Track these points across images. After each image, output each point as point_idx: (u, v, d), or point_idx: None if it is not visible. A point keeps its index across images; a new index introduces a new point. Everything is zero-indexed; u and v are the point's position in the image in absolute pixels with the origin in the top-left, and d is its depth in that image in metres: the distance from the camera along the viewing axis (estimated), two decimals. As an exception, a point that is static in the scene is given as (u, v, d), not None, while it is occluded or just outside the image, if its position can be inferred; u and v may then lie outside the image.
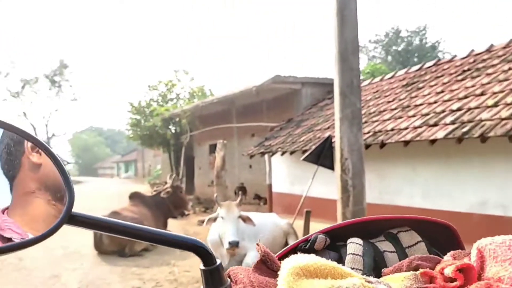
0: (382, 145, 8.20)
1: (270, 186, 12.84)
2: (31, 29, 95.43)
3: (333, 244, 0.72)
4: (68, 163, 49.88)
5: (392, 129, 8.40)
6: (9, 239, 0.63)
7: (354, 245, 0.69)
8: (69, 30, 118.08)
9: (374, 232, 0.75)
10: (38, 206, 0.68)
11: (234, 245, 5.18)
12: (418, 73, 11.17)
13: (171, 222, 9.81)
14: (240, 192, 6.27)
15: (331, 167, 8.29)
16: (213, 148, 15.94)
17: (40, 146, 0.68)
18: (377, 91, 11.63)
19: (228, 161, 15.55)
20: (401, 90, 10.61)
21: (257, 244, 0.67)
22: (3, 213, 0.65)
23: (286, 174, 12.07)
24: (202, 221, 11.73)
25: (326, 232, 0.72)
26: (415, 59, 35.53)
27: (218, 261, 0.68)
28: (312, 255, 0.60)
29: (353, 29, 5.78)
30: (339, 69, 5.80)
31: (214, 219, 5.56)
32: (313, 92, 14.16)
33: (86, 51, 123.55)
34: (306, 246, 0.70)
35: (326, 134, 9.27)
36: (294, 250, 0.70)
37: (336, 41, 5.82)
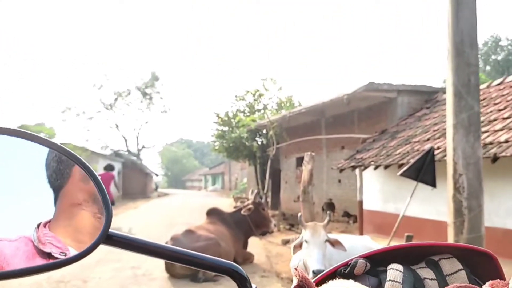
0: (495, 159, 7.25)
1: (360, 202, 12.09)
2: (124, 42, 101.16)
3: (373, 269, 0.72)
4: (157, 175, 51.62)
5: (506, 141, 7.44)
6: (49, 254, 0.65)
7: (394, 272, 0.68)
8: (159, 43, 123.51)
9: (415, 258, 0.74)
10: (83, 219, 0.70)
11: (318, 274, 4.56)
12: (531, 78, 10.06)
13: (252, 240, 9.36)
14: (328, 213, 5.64)
15: (432, 184, 7.61)
16: (300, 161, 15.48)
17: (79, 163, 0.71)
18: (484, 99, 10.56)
19: (316, 175, 14.99)
20: (513, 97, 9.55)
21: (295, 269, 0.65)
22: (44, 226, 0.67)
23: (379, 190, 11.30)
24: (286, 241, 11.39)
25: (367, 257, 0.71)
26: (516, 69, 33.40)
27: (254, 286, 0.73)
28: (351, 281, 0.62)
29: (471, 17, 5.00)
30: (453, 65, 5.02)
31: (300, 245, 4.95)
32: (410, 101, 13.27)
33: (176, 62, 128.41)
34: (346, 271, 0.70)
35: (426, 146, 8.45)
36: (334, 274, 0.71)
37: (449, 31, 5.06)
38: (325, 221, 5.15)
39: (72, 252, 0.67)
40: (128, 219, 16.96)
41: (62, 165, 0.71)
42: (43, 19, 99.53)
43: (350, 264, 0.71)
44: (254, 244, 9.89)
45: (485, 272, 0.72)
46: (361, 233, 11.18)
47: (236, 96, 24.19)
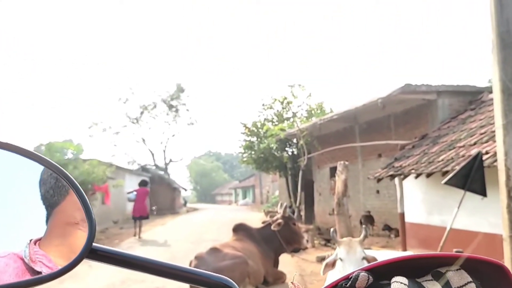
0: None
1: (402, 215, 11.54)
2: (148, 55, 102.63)
3: (376, 283, 0.70)
4: (185, 190, 51.72)
5: None
6: (39, 273, 0.65)
7: (398, 285, 0.67)
8: (183, 55, 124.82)
9: (421, 271, 0.71)
10: (78, 239, 0.69)
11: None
12: None
13: (284, 258, 8.93)
14: (364, 227, 5.23)
15: (482, 192, 7.12)
16: (334, 171, 15.05)
17: (60, 173, 0.71)
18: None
19: (352, 185, 14.52)
20: None
21: (291, 283, 0.70)
22: (35, 244, 0.67)
23: (421, 201, 10.75)
24: (322, 258, 10.91)
25: (369, 270, 0.69)
26: None
27: None
28: None
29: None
30: (499, 59, 4.57)
31: (332, 264, 4.58)
32: (452, 103, 12.69)
33: (201, 73, 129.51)
34: (347, 285, 0.68)
35: (473, 151, 7.92)
36: None
37: (493, 21, 4.61)
38: (361, 236, 4.83)
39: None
40: (155, 237, 16.80)
41: (61, 182, 0.71)
42: (67, 32, 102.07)
43: (351, 277, 0.68)
44: (286, 262, 9.46)
45: (496, 285, 0.70)
46: (404, 249, 10.65)
47: (263, 105, 23.89)
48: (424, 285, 0.70)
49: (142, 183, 17.67)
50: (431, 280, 0.71)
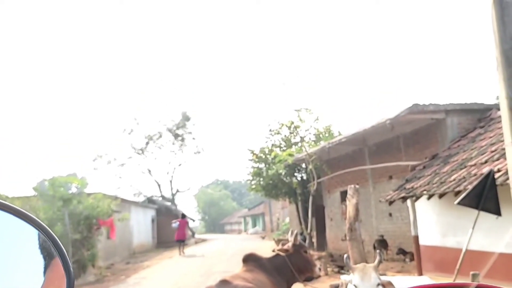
0: None
1: (416, 238, 11.50)
2: (152, 83, 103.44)
3: None
4: (193, 220, 51.61)
5: None
6: None
7: None
8: (188, 82, 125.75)
9: None
10: None
11: (371, 327, 4.14)
12: None
13: (296, 287, 8.89)
14: (378, 252, 5.24)
15: (496, 211, 7.17)
16: (344, 196, 15.05)
17: (37, 225, 0.69)
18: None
19: (363, 209, 14.49)
20: None
21: None
22: None
23: (435, 223, 10.73)
24: (336, 286, 10.83)
25: None
26: None
27: None
28: None
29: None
30: (505, 76, 4.66)
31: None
32: (460, 121, 12.79)
33: (207, 100, 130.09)
34: None
35: (485, 170, 7.95)
36: None
37: (496, 39, 4.71)
38: (376, 262, 4.81)
39: None
40: (163, 271, 16.77)
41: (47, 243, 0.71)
42: (69, 63, 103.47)
43: None
44: (299, 292, 9.41)
45: None
46: (420, 273, 10.59)
47: (270, 130, 23.99)
48: None
49: (182, 216, 26.31)
50: None
